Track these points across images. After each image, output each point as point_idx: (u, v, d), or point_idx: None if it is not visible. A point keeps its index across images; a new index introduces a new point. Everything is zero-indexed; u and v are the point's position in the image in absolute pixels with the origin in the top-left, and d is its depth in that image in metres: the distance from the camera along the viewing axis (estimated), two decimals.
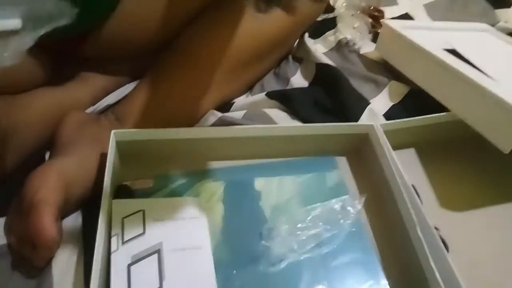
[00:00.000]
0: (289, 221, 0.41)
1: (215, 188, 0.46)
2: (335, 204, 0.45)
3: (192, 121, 0.52)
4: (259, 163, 0.50)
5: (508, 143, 0.44)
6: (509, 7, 0.81)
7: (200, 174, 0.47)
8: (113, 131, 0.43)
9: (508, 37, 0.68)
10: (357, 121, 0.53)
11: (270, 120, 0.55)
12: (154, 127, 0.46)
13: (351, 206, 0.44)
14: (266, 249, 0.40)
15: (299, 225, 0.41)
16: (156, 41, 0.53)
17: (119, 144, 0.44)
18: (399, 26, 0.64)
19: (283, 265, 0.40)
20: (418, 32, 0.64)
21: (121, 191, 0.42)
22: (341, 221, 0.43)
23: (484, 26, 0.71)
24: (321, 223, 0.42)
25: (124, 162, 0.46)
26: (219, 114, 0.53)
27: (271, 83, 0.61)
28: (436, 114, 0.51)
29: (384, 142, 0.47)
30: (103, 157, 0.42)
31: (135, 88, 0.53)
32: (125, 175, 0.45)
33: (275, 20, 0.53)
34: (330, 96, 0.56)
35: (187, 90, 0.50)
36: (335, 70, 0.59)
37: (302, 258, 0.40)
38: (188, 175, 0.47)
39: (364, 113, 0.54)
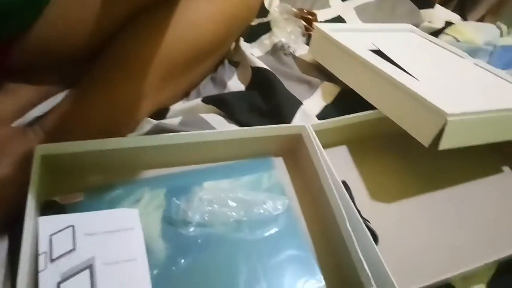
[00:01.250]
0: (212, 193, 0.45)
1: (154, 196, 0.46)
2: (264, 197, 0.46)
3: (126, 130, 0.51)
4: (198, 168, 0.50)
5: (427, 137, 0.47)
6: (432, 7, 0.86)
7: (137, 184, 0.47)
8: (36, 146, 0.41)
9: (432, 37, 0.72)
10: (290, 122, 0.55)
11: (207, 125, 0.55)
12: (85, 138, 0.44)
13: (280, 201, 0.46)
14: (182, 211, 0.43)
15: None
16: (85, 49, 0.52)
17: (46, 159, 0.42)
18: (329, 29, 0.66)
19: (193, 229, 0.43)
20: (347, 34, 0.67)
21: (50, 207, 0.40)
22: (262, 211, 0.45)
23: (409, 26, 0.75)
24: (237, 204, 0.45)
25: (54, 176, 0.45)
26: (155, 122, 0.53)
27: (208, 88, 0.61)
28: (364, 112, 0.54)
29: (315, 141, 0.49)
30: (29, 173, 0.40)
31: (63, 99, 0.51)
32: (56, 190, 0.43)
33: (209, 24, 0.54)
34: (265, 99, 0.58)
35: (118, 99, 0.49)
36: (269, 73, 0.61)
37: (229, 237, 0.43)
38: (124, 186, 0.46)
39: (296, 114, 0.55)
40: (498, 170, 0.57)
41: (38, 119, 0.52)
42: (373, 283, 0.37)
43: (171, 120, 0.55)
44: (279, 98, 0.57)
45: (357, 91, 0.58)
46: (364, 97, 0.57)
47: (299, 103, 0.57)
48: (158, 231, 0.43)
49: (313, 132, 0.50)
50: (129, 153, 0.47)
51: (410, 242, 0.47)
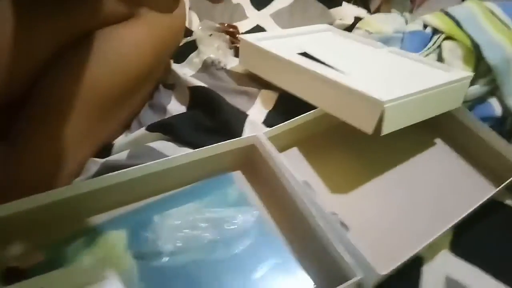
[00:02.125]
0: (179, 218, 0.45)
1: (117, 238, 0.44)
2: (233, 212, 0.47)
3: (66, 179, 0.48)
4: (157, 199, 0.49)
5: (369, 126, 0.50)
6: (340, 5, 0.93)
7: (97, 228, 0.44)
8: None
9: (347, 33, 0.78)
10: (241, 135, 0.55)
11: (156, 153, 0.54)
12: (22, 195, 0.41)
13: (249, 213, 0.47)
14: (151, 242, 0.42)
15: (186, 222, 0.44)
16: (5, 93, 0.48)
17: None
18: (254, 38, 0.68)
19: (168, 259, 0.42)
20: (272, 41, 0.69)
21: (11, 275, 0.37)
22: (234, 226, 0.45)
23: (326, 26, 0.80)
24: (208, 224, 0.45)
25: (3, 241, 0.40)
26: (101, 160, 0.50)
27: (148, 116, 0.60)
28: (308, 113, 0.56)
29: (271, 148, 0.50)
30: None
31: None
32: (12, 256, 0.39)
33: (136, 52, 0.52)
34: (210, 116, 0.58)
35: (47, 150, 0.45)
36: (208, 90, 0.61)
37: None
38: (84, 234, 0.43)
39: (245, 126, 0.56)
40: (432, 143, 0.63)
41: None
42: (356, 270, 0.39)
43: (118, 156, 0.52)
44: (224, 113, 0.57)
45: (294, 94, 0.60)
46: (303, 99, 0.59)
47: (245, 115, 0.58)
48: (134, 272, 0.41)
49: (267, 140, 0.51)
50: (80, 200, 0.44)
51: (375, 226, 0.50)
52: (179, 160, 0.49)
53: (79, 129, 0.48)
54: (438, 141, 0.64)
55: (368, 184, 0.56)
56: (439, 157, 0.61)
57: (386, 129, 0.50)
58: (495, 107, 0.63)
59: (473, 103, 0.65)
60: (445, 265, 0.49)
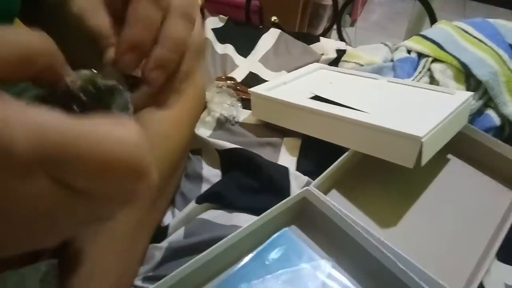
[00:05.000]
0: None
1: None
2: (304, 268, 0.48)
3: (135, 270, 0.47)
4: (233, 271, 0.49)
5: (409, 160, 0.54)
6: (319, 41, 0.98)
7: None
8: None
9: (341, 68, 0.82)
10: (288, 190, 0.57)
11: (212, 225, 0.54)
12: None
13: (323, 265, 0.48)
14: None
15: None
16: None
17: None
18: (264, 90, 0.70)
19: None
20: (279, 89, 0.72)
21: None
22: (310, 283, 0.46)
23: (318, 65, 0.84)
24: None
25: None
26: (163, 245, 0.50)
27: (187, 186, 0.60)
28: (344, 156, 0.59)
29: (323, 198, 0.52)
30: None
31: None
32: None
33: (177, 130, 0.53)
34: (251, 176, 0.59)
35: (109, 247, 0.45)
36: (240, 150, 0.62)
37: None
38: None
39: (291, 180, 0.58)
40: (446, 160, 0.68)
41: None
42: None
43: (176, 235, 0.52)
44: (265, 171, 0.58)
45: (320, 138, 0.63)
46: (331, 141, 0.62)
47: (285, 169, 0.59)
48: None
49: (318, 191, 0.53)
50: None
51: (435, 250, 0.54)
52: (242, 233, 0.49)
53: (136, 219, 0.47)
54: (451, 157, 0.69)
55: (410, 211, 0.59)
56: (458, 172, 0.66)
57: (424, 160, 0.54)
58: (493, 117, 0.70)
59: (472, 117, 0.71)
60: (499, 273, 0.53)
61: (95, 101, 0.22)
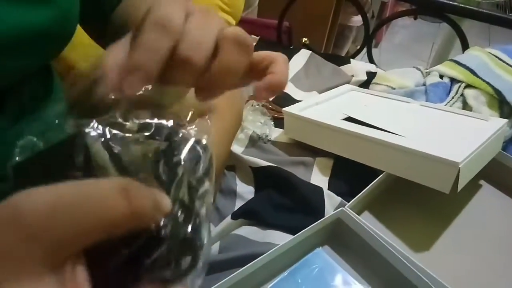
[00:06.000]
0: None
1: None
2: None
3: None
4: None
5: (445, 185, 0.54)
6: (349, 62, 0.99)
7: None
8: None
9: (372, 91, 0.83)
10: (323, 210, 0.57)
11: (246, 241, 0.54)
12: None
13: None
14: None
15: None
16: None
17: None
18: (297, 110, 0.72)
19: None
20: (312, 109, 0.73)
21: None
22: None
23: (349, 86, 0.85)
24: None
25: None
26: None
27: (221, 202, 0.61)
28: (378, 179, 0.59)
29: (358, 220, 0.53)
30: None
31: None
32: None
33: (226, 139, 0.55)
34: (286, 194, 0.60)
35: None
36: (275, 169, 0.63)
37: None
38: None
39: (325, 201, 0.58)
40: (478, 186, 0.68)
41: None
42: None
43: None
44: (300, 190, 0.59)
45: (356, 160, 0.63)
46: (365, 163, 0.62)
47: (321, 190, 0.60)
48: None
49: (353, 213, 0.53)
50: None
51: (469, 276, 0.53)
52: (278, 251, 0.50)
53: None
54: (483, 183, 0.69)
55: (443, 236, 0.59)
56: (490, 198, 0.66)
57: (460, 186, 0.54)
58: None
59: (506, 144, 0.71)
60: None
61: None
